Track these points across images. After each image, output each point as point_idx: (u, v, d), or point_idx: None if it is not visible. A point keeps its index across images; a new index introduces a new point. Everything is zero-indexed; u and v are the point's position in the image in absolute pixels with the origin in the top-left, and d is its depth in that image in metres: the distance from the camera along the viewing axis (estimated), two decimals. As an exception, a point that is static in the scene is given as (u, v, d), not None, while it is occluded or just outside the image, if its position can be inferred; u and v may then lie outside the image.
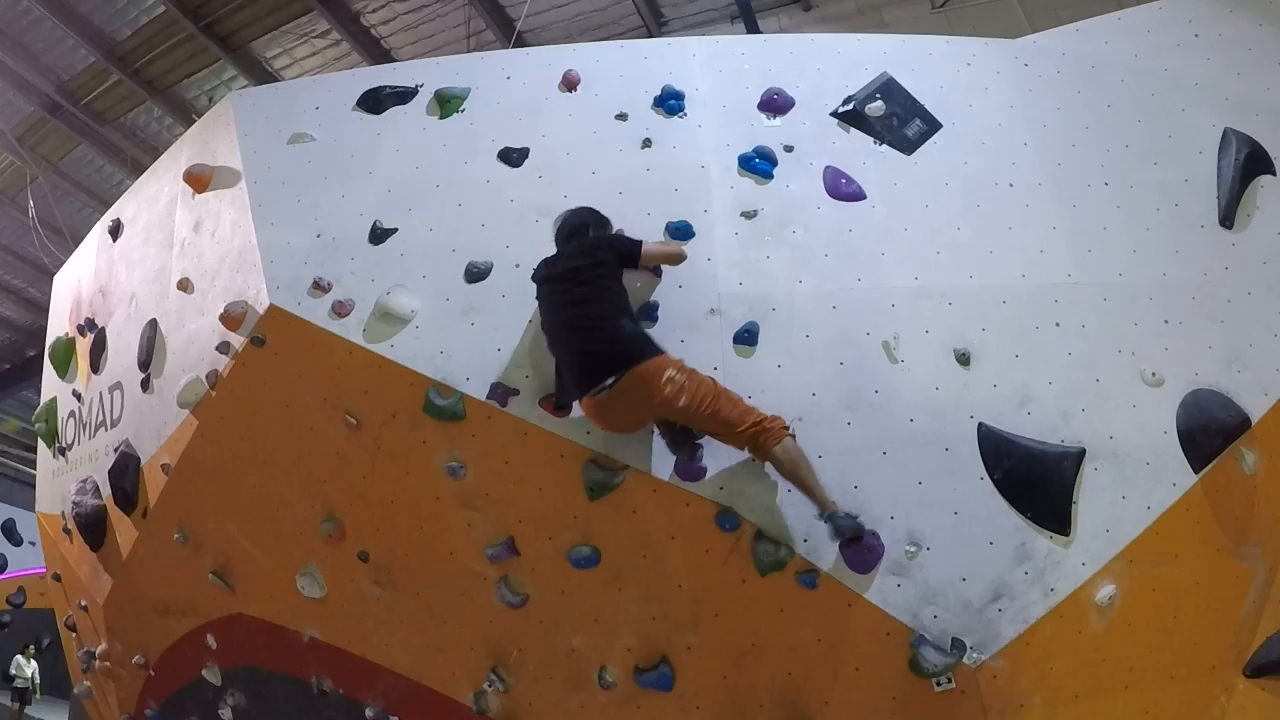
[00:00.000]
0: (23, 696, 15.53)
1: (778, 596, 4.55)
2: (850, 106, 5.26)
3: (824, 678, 4.57)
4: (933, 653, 4.38)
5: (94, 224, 7.59)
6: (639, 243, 4.71)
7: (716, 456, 4.60)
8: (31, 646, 15.82)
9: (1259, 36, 5.53)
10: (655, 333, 4.75)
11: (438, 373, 4.86)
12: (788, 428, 4.40)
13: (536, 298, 4.75)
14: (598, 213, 4.89)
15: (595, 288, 4.52)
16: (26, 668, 15.66)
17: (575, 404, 4.65)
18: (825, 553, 4.50)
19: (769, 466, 4.46)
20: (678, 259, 4.82)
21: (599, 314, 4.47)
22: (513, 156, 5.27)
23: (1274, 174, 5.23)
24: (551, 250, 4.86)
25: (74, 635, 7.48)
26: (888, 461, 4.59)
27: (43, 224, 14.39)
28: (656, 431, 4.63)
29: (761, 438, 4.36)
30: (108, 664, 6.88)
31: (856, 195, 5.05)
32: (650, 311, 4.82)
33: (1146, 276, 4.97)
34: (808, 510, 4.42)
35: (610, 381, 4.34)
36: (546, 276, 4.69)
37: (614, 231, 4.86)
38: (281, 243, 5.30)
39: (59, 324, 7.64)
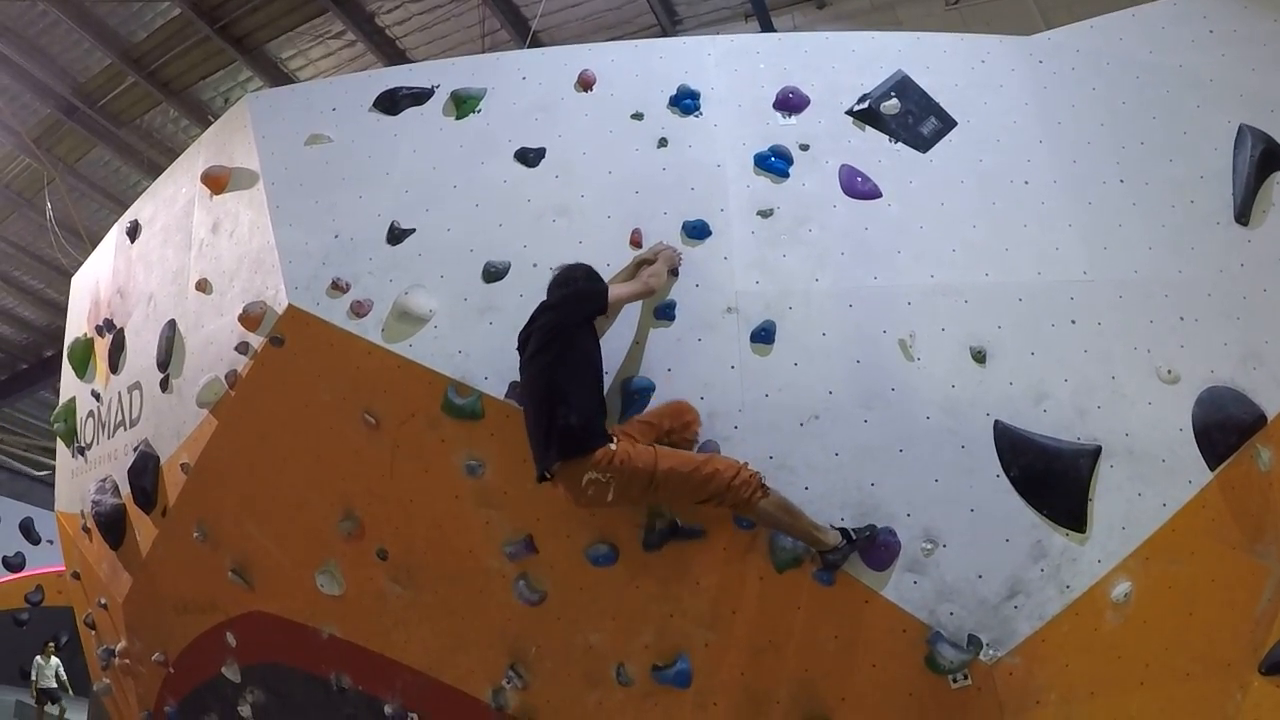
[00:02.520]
0: (51, 696, 15.58)
1: (795, 594, 4.57)
2: (865, 105, 5.26)
3: (841, 674, 4.58)
4: (949, 649, 4.40)
5: (111, 225, 7.64)
6: (604, 292, 4.58)
7: (734, 452, 4.59)
8: (51, 644, 15.89)
9: (1274, 32, 5.50)
10: (672, 332, 4.81)
11: (456, 372, 4.90)
12: (760, 484, 4.34)
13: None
14: (588, 269, 4.75)
15: (552, 357, 4.43)
16: (47, 668, 15.71)
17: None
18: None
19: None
20: (648, 294, 4.75)
21: (546, 394, 4.39)
22: (529, 157, 5.29)
23: (1290, 170, 5.22)
24: (571, 249, 4.94)
25: (94, 633, 7.53)
26: (904, 459, 4.60)
27: (60, 225, 14.46)
28: None
29: (735, 507, 4.36)
30: (127, 661, 6.93)
31: (872, 193, 5.05)
32: (667, 310, 4.84)
33: (1162, 273, 4.95)
34: (825, 508, 4.44)
35: (549, 474, 4.37)
36: (521, 340, 4.64)
37: (596, 285, 4.68)
38: (299, 243, 5.34)
39: (77, 324, 7.70)
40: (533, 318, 4.64)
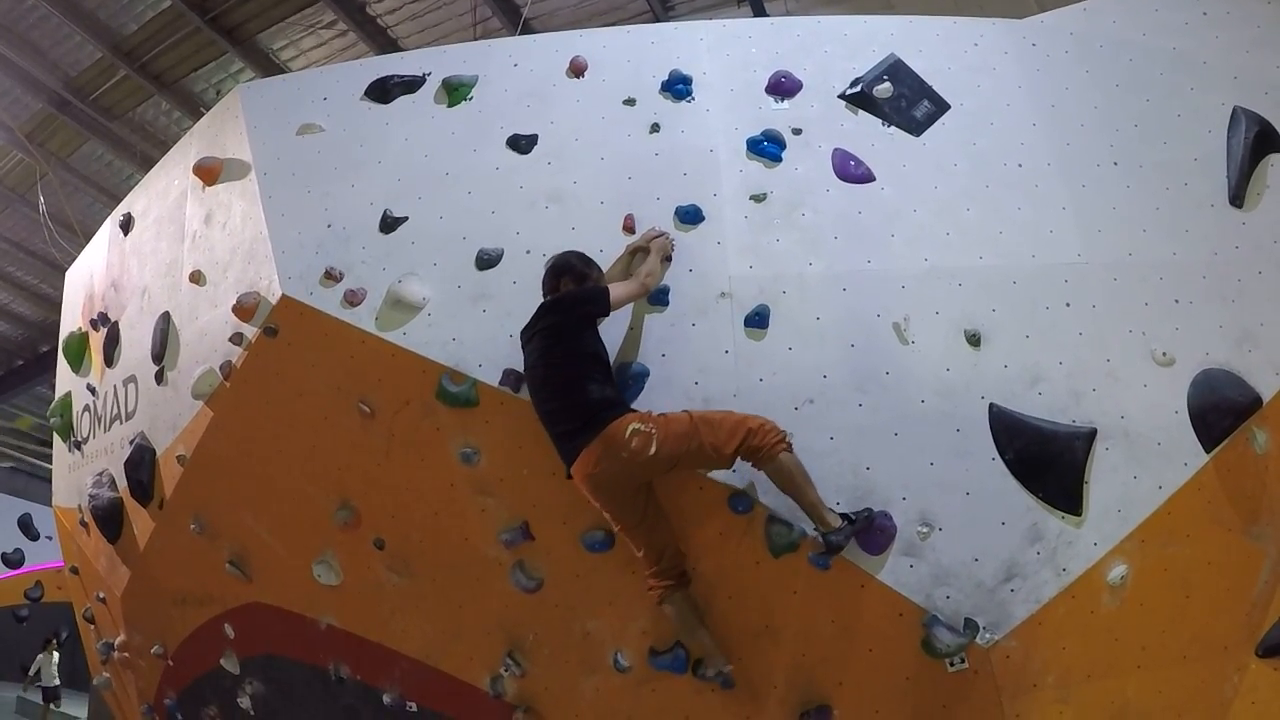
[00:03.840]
0: (52, 695, 15.57)
1: (791, 578, 4.58)
2: (858, 88, 5.25)
3: (837, 659, 4.59)
4: (946, 633, 4.40)
5: (104, 219, 7.62)
6: (606, 295, 4.59)
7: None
8: (55, 640, 15.87)
9: (1268, 14, 5.50)
10: (666, 317, 4.80)
11: (450, 359, 4.88)
12: (785, 437, 4.38)
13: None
14: (581, 256, 4.77)
15: (563, 351, 4.50)
16: (50, 664, 15.68)
17: None
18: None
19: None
20: (645, 293, 4.74)
21: (565, 382, 4.47)
22: (521, 143, 5.27)
23: (1284, 152, 5.21)
24: (564, 236, 4.94)
25: (92, 627, 7.53)
26: (899, 442, 4.60)
27: (53, 220, 14.44)
28: None
29: (757, 453, 4.35)
30: (126, 655, 6.94)
31: (865, 177, 5.04)
32: (661, 296, 4.83)
33: (1156, 256, 4.95)
34: (821, 491, 4.40)
35: (583, 452, 4.36)
36: (525, 340, 4.65)
37: (593, 278, 4.73)
38: (292, 233, 5.32)
39: (72, 319, 7.67)
40: (536, 317, 4.63)
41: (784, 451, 4.35)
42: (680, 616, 4.53)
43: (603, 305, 4.59)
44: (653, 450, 4.30)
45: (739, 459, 4.40)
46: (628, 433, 4.31)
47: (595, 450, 4.35)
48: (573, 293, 4.65)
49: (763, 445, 4.33)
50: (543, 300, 4.73)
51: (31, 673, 15.80)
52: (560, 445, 4.51)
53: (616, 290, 4.64)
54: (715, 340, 4.75)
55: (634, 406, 4.55)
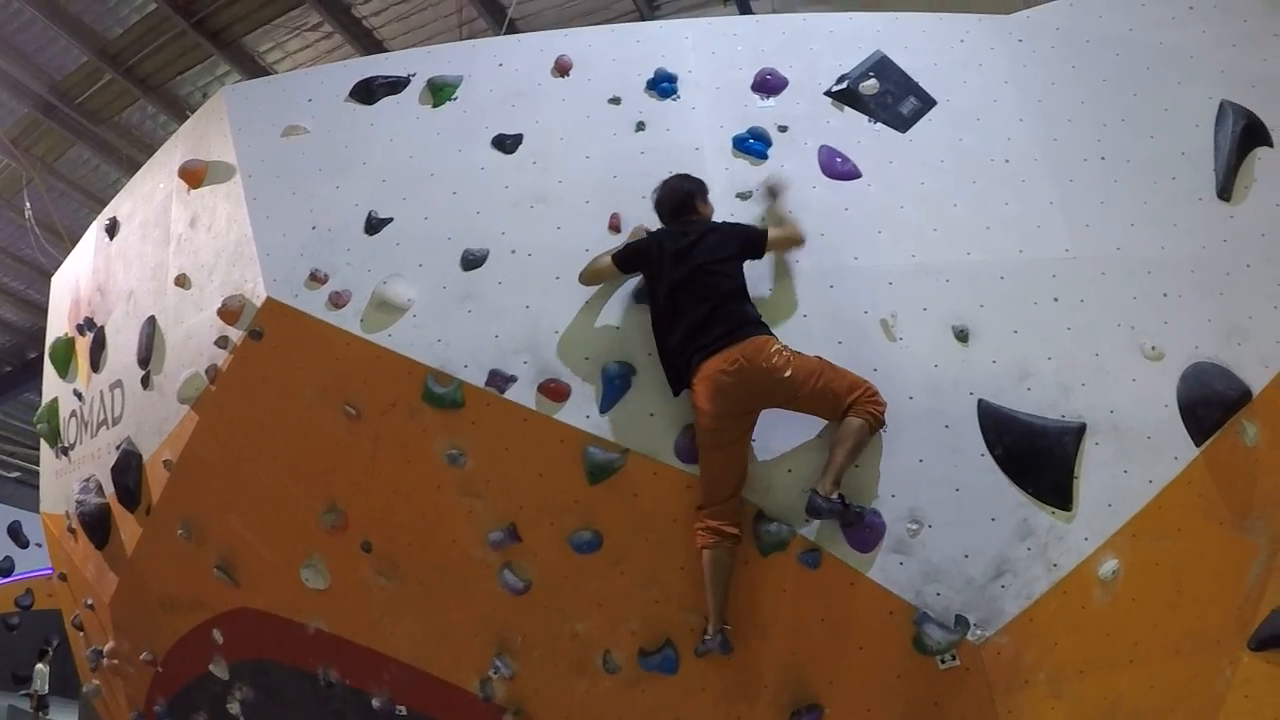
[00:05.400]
0: (43, 703, 15.49)
1: (780, 577, 4.56)
2: (844, 85, 5.24)
3: (828, 657, 4.58)
4: (936, 630, 4.38)
5: (91, 224, 7.58)
6: (764, 234, 4.72)
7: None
8: (49, 650, 15.77)
9: (1254, 8, 5.50)
10: (650, 313, 4.76)
11: (436, 361, 4.86)
12: (881, 419, 4.44)
13: (640, 269, 4.77)
14: (698, 180, 4.90)
15: (726, 274, 4.58)
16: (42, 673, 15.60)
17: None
18: (827, 532, 4.50)
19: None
20: (800, 242, 4.83)
21: (723, 295, 4.54)
22: (506, 143, 5.25)
23: (1271, 146, 5.20)
24: (550, 235, 4.95)
25: (81, 634, 7.49)
26: (888, 439, 4.57)
27: (40, 225, 14.39)
28: None
29: (861, 410, 4.40)
30: (115, 661, 6.89)
31: (852, 174, 5.04)
32: (645, 294, 4.81)
33: (1145, 250, 4.94)
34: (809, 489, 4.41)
35: (722, 352, 4.42)
36: (671, 253, 4.66)
37: (698, 195, 4.88)
38: (277, 235, 5.30)
39: (58, 324, 7.63)
40: (692, 236, 4.67)
41: (874, 423, 4.43)
42: (714, 569, 4.47)
43: (760, 246, 4.72)
44: (788, 373, 4.38)
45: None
46: (773, 348, 4.41)
47: (736, 353, 4.41)
48: (739, 226, 4.79)
49: (869, 406, 4.40)
50: (663, 225, 4.85)
51: (36, 686, 15.69)
52: (688, 358, 4.52)
53: (773, 233, 4.75)
54: (703, 339, 4.73)
55: (623, 401, 4.60)
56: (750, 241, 4.70)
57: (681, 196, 4.85)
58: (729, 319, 4.49)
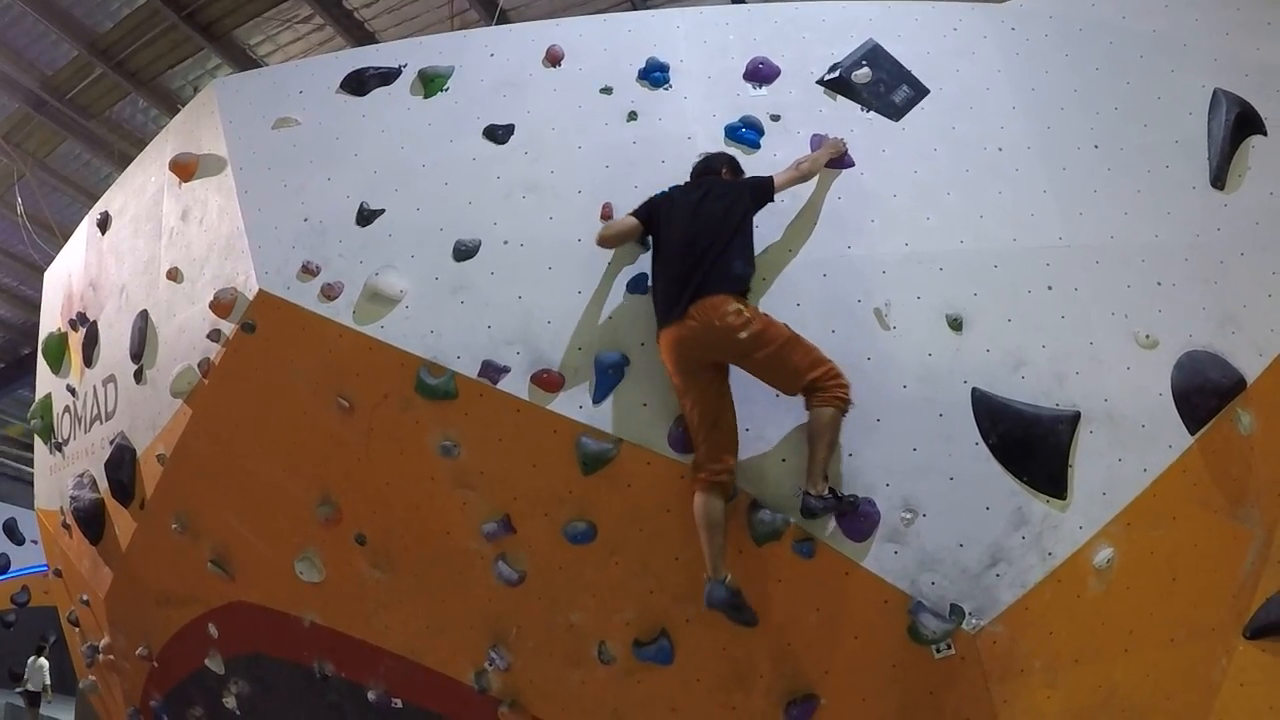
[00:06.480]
0: (34, 700, 15.48)
1: (775, 566, 4.56)
2: (836, 74, 5.23)
3: (823, 647, 4.58)
4: (931, 619, 4.38)
5: (83, 218, 7.56)
6: (771, 182, 4.78)
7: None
8: (46, 646, 15.76)
9: (1247, -5, 5.50)
10: (645, 304, 4.77)
11: (429, 352, 4.85)
12: (849, 398, 4.42)
13: (653, 216, 4.76)
14: (733, 157, 4.95)
15: (727, 219, 4.60)
16: (38, 669, 15.57)
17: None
18: (821, 521, 4.49)
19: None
20: (804, 179, 4.88)
21: (717, 242, 4.55)
22: (498, 133, 5.23)
23: (1265, 134, 5.19)
24: (542, 226, 4.97)
25: (77, 630, 7.48)
26: (882, 428, 4.58)
27: (32, 221, 14.37)
28: None
29: (823, 393, 4.39)
30: (111, 657, 6.89)
31: (844, 163, 5.02)
32: (640, 283, 4.82)
33: (1138, 238, 4.94)
34: (803, 480, 4.41)
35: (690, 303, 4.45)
36: (682, 204, 4.71)
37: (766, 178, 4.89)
38: (269, 228, 5.27)
39: (51, 320, 7.62)
40: (705, 187, 4.75)
41: (843, 406, 4.40)
42: (706, 513, 4.45)
43: (769, 191, 4.77)
44: (743, 334, 4.39)
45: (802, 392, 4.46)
46: (730, 307, 4.41)
47: (695, 309, 4.44)
48: (746, 179, 4.85)
49: (833, 390, 4.39)
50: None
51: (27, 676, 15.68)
52: (673, 301, 4.54)
53: (778, 177, 4.80)
54: (696, 328, 4.72)
55: (616, 391, 4.61)
56: (759, 188, 4.76)
57: (710, 160, 4.91)
58: (711, 270, 4.49)
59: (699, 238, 4.56)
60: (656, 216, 4.75)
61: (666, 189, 4.83)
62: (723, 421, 4.51)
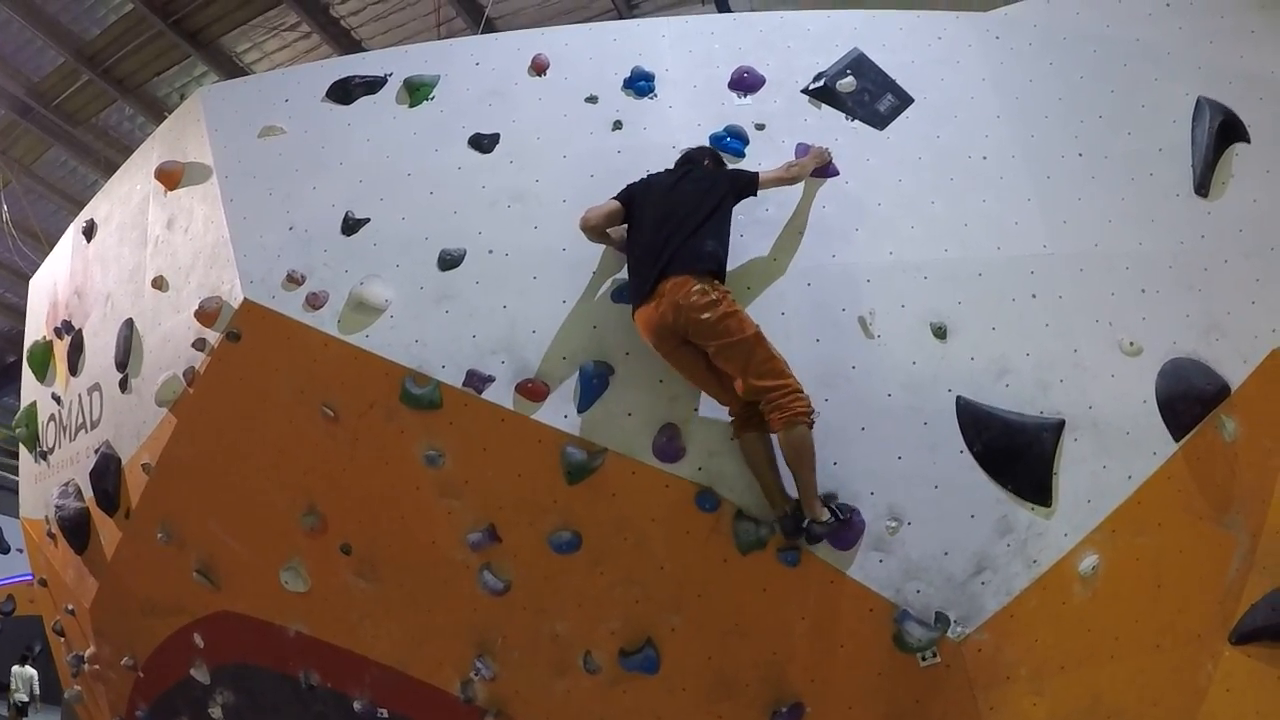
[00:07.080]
0: (21, 710, 15.39)
1: (760, 575, 4.56)
2: (821, 83, 5.23)
3: (809, 656, 4.59)
4: (917, 627, 4.39)
5: (69, 226, 7.54)
6: (756, 177, 4.78)
7: (694, 435, 4.62)
8: (31, 655, 15.67)
9: (1231, 4, 5.52)
10: (630, 314, 4.75)
11: (413, 361, 4.84)
12: (811, 412, 4.36)
13: (632, 199, 4.76)
14: (716, 153, 4.98)
15: (706, 203, 4.59)
16: (23, 678, 15.48)
17: None
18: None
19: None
20: (790, 181, 4.89)
21: (695, 225, 4.53)
22: (483, 142, 5.23)
23: (1248, 142, 5.23)
24: (527, 235, 4.97)
25: (62, 640, 7.44)
26: (866, 437, 4.59)
27: (18, 228, 14.32)
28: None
29: (781, 410, 4.32)
30: (97, 667, 6.85)
31: (829, 172, 5.03)
32: (625, 293, 4.79)
33: (1122, 246, 4.96)
34: (787, 488, 4.43)
35: (653, 284, 4.46)
36: (658, 187, 4.74)
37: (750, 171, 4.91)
38: (254, 237, 5.26)
39: (36, 327, 7.58)
40: (687, 173, 4.78)
41: (806, 425, 4.34)
42: (750, 453, 4.50)
43: (752, 185, 4.78)
44: (706, 315, 4.35)
45: (760, 405, 4.39)
46: (694, 286, 4.38)
47: (663, 286, 4.43)
48: (728, 169, 4.89)
49: (791, 407, 4.32)
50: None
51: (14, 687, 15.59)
52: (643, 279, 4.55)
53: (765, 174, 4.81)
54: (680, 337, 4.72)
55: (601, 401, 4.62)
56: (740, 179, 4.77)
57: (693, 152, 4.94)
58: (683, 250, 4.48)
59: (670, 217, 4.56)
60: (634, 200, 4.76)
61: (646, 175, 4.85)
62: (729, 384, 4.52)
